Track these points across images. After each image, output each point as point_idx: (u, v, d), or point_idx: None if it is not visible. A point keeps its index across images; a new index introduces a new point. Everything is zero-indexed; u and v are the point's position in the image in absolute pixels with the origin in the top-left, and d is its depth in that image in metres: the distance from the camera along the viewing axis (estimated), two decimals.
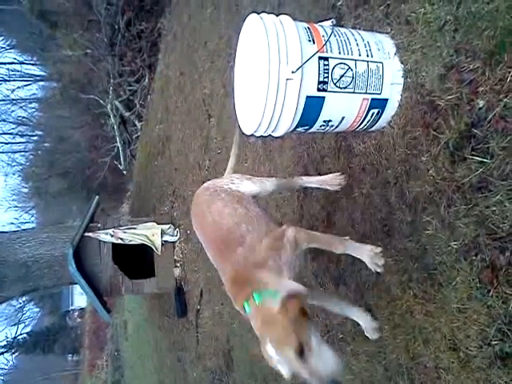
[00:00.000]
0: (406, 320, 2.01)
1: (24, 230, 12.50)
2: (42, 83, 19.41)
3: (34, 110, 20.07)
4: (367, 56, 1.97)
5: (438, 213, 1.84)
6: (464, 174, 1.72)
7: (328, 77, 1.90)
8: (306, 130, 2.09)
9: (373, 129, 2.20)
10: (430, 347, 1.88)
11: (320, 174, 2.78)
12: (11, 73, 18.28)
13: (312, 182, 2.55)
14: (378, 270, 1.94)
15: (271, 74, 1.84)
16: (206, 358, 4.86)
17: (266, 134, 2.11)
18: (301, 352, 1.48)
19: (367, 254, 1.96)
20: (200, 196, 2.28)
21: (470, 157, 1.69)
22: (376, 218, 2.25)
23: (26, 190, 23.28)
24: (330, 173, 2.53)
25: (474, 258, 1.68)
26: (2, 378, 25.88)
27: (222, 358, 4.37)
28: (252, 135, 2.14)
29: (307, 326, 1.56)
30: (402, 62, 2.01)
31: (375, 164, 2.26)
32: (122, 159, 12.45)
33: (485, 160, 1.64)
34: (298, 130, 2.08)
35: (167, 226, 6.14)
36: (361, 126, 2.14)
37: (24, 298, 26.99)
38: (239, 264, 1.87)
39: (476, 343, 1.66)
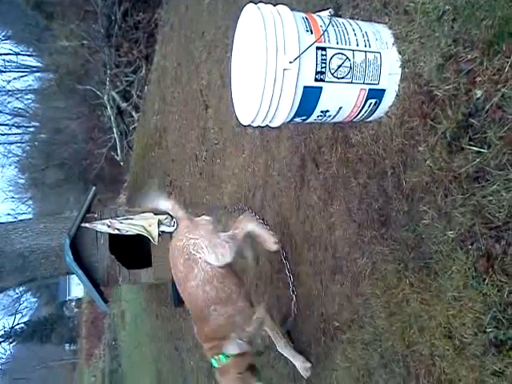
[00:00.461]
0: (402, 308, 2.03)
1: (21, 220, 12.44)
2: (38, 74, 19.28)
3: (30, 101, 19.97)
4: (365, 46, 1.97)
5: (435, 202, 1.85)
6: (461, 164, 1.73)
7: (326, 67, 1.90)
8: (304, 120, 2.10)
9: (370, 119, 2.21)
10: (425, 335, 1.90)
11: (317, 166, 2.80)
12: (7, 64, 18.13)
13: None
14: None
15: (269, 63, 1.84)
16: (203, 347, 4.88)
17: (263, 125, 2.11)
18: None
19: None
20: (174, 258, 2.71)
21: (468, 147, 1.70)
22: (373, 208, 2.26)
23: (22, 181, 23.24)
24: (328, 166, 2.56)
25: (470, 247, 1.70)
26: (0, 366, 25.95)
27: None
28: (249, 126, 2.14)
29: (252, 377, 2.32)
30: (399, 52, 2.01)
31: (372, 154, 2.27)
32: (118, 150, 12.42)
33: (482, 150, 1.65)
34: (295, 120, 2.08)
35: (164, 217, 6.13)
36: (358, 117, 2.15)
37: (21, 288, 27.04)
38: (212, 329, 2.50)
39: (471, 331, 1.68)
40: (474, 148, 1.67)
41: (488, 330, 1.61)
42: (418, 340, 1.95)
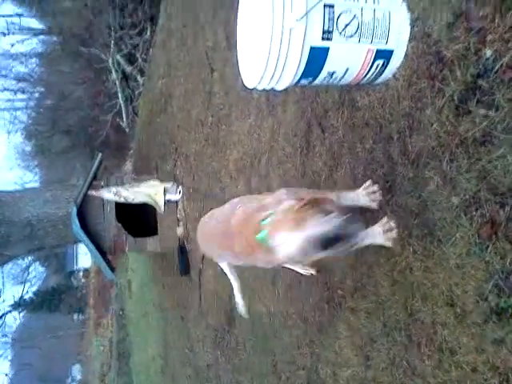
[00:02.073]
0: (405, 276, 2.01)
1: (28, 189, 12.51)
2: (41, 37, 19.00)
3: (34, 65, 19.74)
4: (374, 3, 1.89)
5: (440, 168, 1.81)
6: (468, 128, 1.68)
7: (333, 25, 1.83)
8: (310, 82, 2.03)
9: (377, 81, 2.14)
10: (427, 303, 1.88)
11: (323, 131, 2.74)
12: (10, 26, 17.85)
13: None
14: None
15: (275, 22, 1.77)
16: (209, 316, 4.94)
17: (269, 87, 2.05)
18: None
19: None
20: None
21: (475, 109, 1.64)
22: (378, 174, 2.21)
23: (28, 149, 23.24)
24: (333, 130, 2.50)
25: (474, 213, 1.66)
26: (11, 335, 26.58)
27: (224, 316, 4.44)
28: (255, 89, 2.08)
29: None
30: (409, 10, 1.92)
31: (379, 118, 2.21)
32: (124, 116, 12.32)
33: (489, 113, 1.59)
34: (301, 82, 2.02)
35: (170, 184, 6.13)
36: (365, 79, 2.08)
37: (29, 258, 27.41)
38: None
39: (473, 299, 1.66)
40: (482, 110, 1.61)
41: (489, 297, 1.59)
42: (420, 308, 1.93)
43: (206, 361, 5.11)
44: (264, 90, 2.08)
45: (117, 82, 11.32)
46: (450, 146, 1.75)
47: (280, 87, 2.04)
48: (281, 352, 3.23)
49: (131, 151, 13.03)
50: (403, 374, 2.00)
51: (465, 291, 1.69)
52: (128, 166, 12.95)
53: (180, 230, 6.12)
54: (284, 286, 3.20)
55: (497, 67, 1.54)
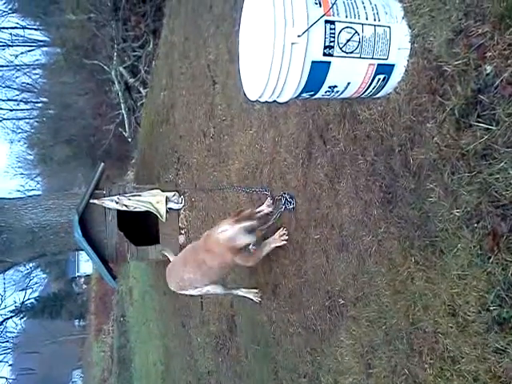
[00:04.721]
0: (407, 286, 2.04)
1: (30, 196, 12.54)
2: (45, 49, 19.15)
3: (37, 76, 19.88)
4: (374, 20, 1.93)
5: (442, 180, 1.84)
6: (469, 141, 1.71)
7: (334, 41, 1.87)
8: (311, 95, 2.07)
9: (379, 95, 2.18)
10: (429, 313, 1.91)
11: (324, 143, 2.78)
12: (14, 38, 18.01)
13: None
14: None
15: (277, 37, 1.81)
16: (210, 323, 4.95)
17: (270, 100, 2.09)
18: None
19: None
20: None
21: (476, 123, 1.67)
22: (379, 186, 2.25)
23: (31, 157, 23.31)
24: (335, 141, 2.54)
25: (476, 225, 1.69)
26: (13, 340, 26.50)
27: (226, 323, 4.46)
28: (257, 101, 2.12)
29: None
30: (409, 27, 1.97)
31: (380, 131, 2.25)
32: (126, 126, 12.39)
33: (490, 127, 1.62)
34: (302, 95, 2.06)
35: (172, 194, 6.16)
36: (366, 92, 2.12)
37: (31, 264, 27.39)
38: None
39: (475, 309, 1.68)
40: (483, 125, 1.65)
41: (491, 308, 1.61)
42: (422, 318, 1.95)
43: (207, 367, 5.12)
44: (266, 102, 2.12)
45: (119, 93, 11.40)
46: (451, 158, 1.79)
47: (282, 100, 2.08)
48: (282, 359, 3.25)
49: (133, 161, 13.08)
50: (405, 382, 2.02)
51: (466, 301, 1.71)
52: (130, 175, 13.00)
53: (182, 239, 6.15)
54: (285, 295, 3.23)
55: (497, 83, 1.58)
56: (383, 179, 2.23)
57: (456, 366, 1.75)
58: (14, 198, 7.44)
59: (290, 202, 3.16)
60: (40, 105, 20.70)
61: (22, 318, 29.44)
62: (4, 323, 20.75)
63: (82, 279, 33.62)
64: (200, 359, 5.45)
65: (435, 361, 1.86)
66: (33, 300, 31.12)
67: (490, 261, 1.62)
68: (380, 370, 2.19)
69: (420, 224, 1.97)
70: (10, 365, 27.72)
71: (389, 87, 2.11)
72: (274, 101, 2.11)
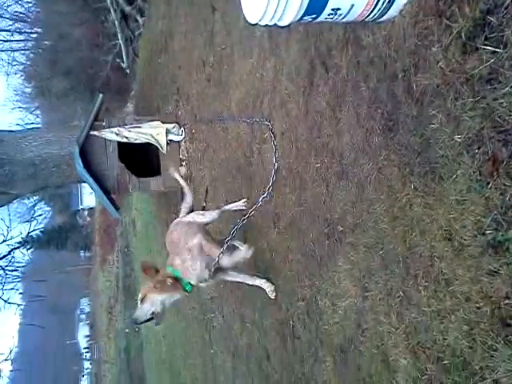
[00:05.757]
0: (405, 212, 2.07)
1: (30, 129, 12.46)
2: None
3: (30, 4, 19.11)
4: None
5: (445, 106, 1.82)
6: (474, 65, 1.67)
7: None
8: (314, 18, 2.00)
9: (383, 19, 2.11)
10: (426, 238, 1.95)
11: (326, 70, 2.72)
12: None
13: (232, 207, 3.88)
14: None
15: None
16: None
17: (271, 24, 2.02)
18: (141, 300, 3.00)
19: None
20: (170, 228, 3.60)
21: (483, 46, 1.63)
22: (381, 113, 2.22)
23: (29, 90, 22.92)
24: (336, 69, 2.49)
25: (477, 151, 1.69)
26: (21, 270, 27.39)
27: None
28: (257, 24, 2.05)
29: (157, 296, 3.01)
30: None
31: (384, 57, 2.19)
32: (124, 57, 12.10)
33: (497, 50, 1.58)
34: (304, 19, 1.99)
35: (172, 125, 6.12)
36: (371, 16, 2.04)
37: (35, 198, 27.76)
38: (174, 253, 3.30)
39: (471, 233, 1.71)
40: (490, 48, 1.60)
41: (487, 232, 1.65)
42: (418, 243, 2.00)
43: (210, 294, 5.31)
44: (267, 26, 2.05)
45: (116, 23, 11.02)
46: (455, 84, 1.75)
47: (283, 23, 2.01)
48: (281, 284, 3.36)
49: (132, 92, 12.87)
50: (399, 303, 2.10)
51: (463, 226, 1.74)
52: (129, 107, 12.84)
53: (183, 170, 6.17)
54: (285, 223, 3.28)
55: (507, 2, 1.52)
56: (385, 106, 2.20)
57: (450, 287, 1.81)
58: (13, 131, 7.42)
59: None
60: (35, 36, 20.05)
61: (29, 248, 30.23)
62: (12, 253, 21.37)
63: (86, 212, 34.18)
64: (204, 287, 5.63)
65: (430, 283, 1.92)
66: (38, 232, 31.83)
67: (489, 186, 1.63)
68: (376, 293, 2.27)
69: (420, 151, 1.96)
70: (20, 293, 28.78)
71: (394, 10, 2.04)
72: (275, 25, 2.04)
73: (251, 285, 3.56)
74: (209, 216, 3.58)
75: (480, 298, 1.66)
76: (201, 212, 3.67)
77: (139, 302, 3.02)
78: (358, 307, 2.43)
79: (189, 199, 3.79)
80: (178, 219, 3.64)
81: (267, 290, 3.45)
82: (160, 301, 3.02)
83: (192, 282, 3.17)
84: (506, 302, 1.57)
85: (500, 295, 1.59)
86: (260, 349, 3.79)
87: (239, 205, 3.84)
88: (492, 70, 1.61)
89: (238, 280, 3.56)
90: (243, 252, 3.16)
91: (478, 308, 1.67)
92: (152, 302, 3.00)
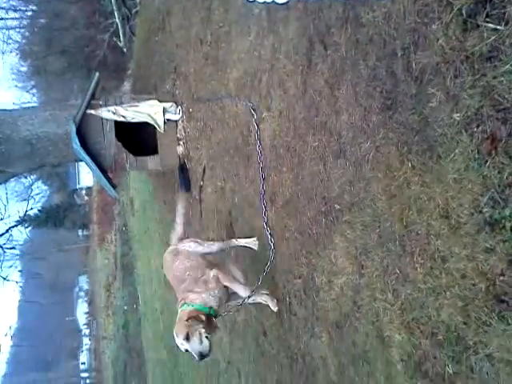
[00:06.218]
0: (403, 191, 2.08)
1: (26, 108, 12.37)
2: None
3: None
4: None
5: (444, 84, 1.81)
6: (475, 43, 1.67)
7: None
8: None
9: None
10: (423, 216, 1.96)
11: (325, 48, 2.70)
12: None
13: (241, 242, 3.75)
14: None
15: None
16: (210, 230, 5.09)
17: (269, 0, 2.00)
18: (187, 338, 2.83)
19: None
20: (167, 258, 3.60)
21: (484, 24, 1.62)
22: (380, 92, 2.22)
23: (24, 69, 22.68)
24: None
25: (475, 129, 1.69)
26: (19, 247, 27.49)
27: (225, 230, 4.58)
28: (255, 1, 2.04)
29: (196, 326, 2.86)
30: None
31: (383, 34, 2.18)
32: (121, 36, 11.95)
33: (498, 27, 1.58)
34: None
35: (169, 104, 6.07)
36: None
37: (32, 177, 27.66)
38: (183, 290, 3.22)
39: (468, 211, 1.73)
40: (491, 25, 1.60)
41: (484, 209, 1.66)
42: (415, 221, 2.01)
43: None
44: (265, 3, 2.04)
45: (112, 1, 10.85)
46: (455, 61, 1.75)
47: (281, 0, 2.00)
48: (278, 262, 3.38)
49: (129, 71, 12.75)
50: (395, 280, 2.13)
51: (460, 204, 1.76)
52: (126, 86, 12.74)
53: (180, 149, 6.15)
54: (282, 201, 3.29)
55: None
56: (384, 85, 2.19)
57: (445, 264, 1.83)
58: (9, 110, 7.35)
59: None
60: (30, 13, 19.74)
61: (27, 227, 30.26)
62: (9, 231, 21.35)
63: (84, 191, 34.16)
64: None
65: (426, 261, 1.94)
66: (36, 211, 31.84)
67: (487, 164, 1.64)
68: (372, 270, 2.30)
69: (419, 129, 1.97)
70: (19, 271, 28.98)
71: None
72: (273, 1, 2.02)
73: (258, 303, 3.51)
74: (207, 247, 3.60)
75: (475, 274, 1.69)
76: (198, 240, 3.67)
77: (183, 341, 2.85)
78: (354, 284, 2.45)
79: (179, 230, 3.78)
80: (174, 247, 3.64)
81: (270, 305, 3.40)
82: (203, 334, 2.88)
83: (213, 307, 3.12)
84: (501, 278, 1.60)
85: (495, 272, 1.61)
86: (257, 325, 3.84)
87: (250, 243, 3.71)
88: (492, 47, 1.61)
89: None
90: (269, 301, 3.37)
91: (474, 285, 1.70)
92: (198, 336, 2.87)
